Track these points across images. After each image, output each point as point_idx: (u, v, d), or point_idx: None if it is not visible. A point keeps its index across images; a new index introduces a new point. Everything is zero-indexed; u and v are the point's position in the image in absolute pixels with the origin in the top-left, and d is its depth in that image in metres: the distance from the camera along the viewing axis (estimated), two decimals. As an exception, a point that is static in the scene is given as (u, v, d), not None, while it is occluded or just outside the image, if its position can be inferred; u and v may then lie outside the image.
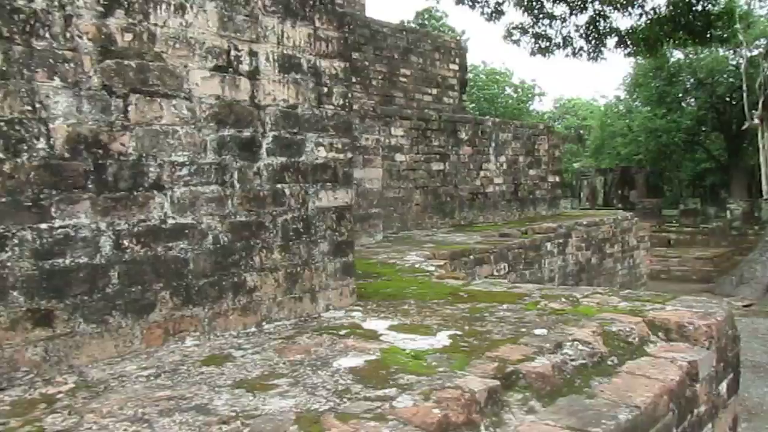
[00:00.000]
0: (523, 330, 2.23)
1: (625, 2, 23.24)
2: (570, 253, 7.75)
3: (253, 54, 2.37)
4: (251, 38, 2.37)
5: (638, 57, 25.57)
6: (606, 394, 1.79)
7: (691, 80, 31.47)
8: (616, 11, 24.04)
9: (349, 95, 2.64)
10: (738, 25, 23.89)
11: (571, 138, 44.14)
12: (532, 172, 8.81)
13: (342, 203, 2.60)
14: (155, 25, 2.08)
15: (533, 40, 25.55)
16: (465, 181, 7.70)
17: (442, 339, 2.13)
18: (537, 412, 1.67)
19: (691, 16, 21.50)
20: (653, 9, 22.65)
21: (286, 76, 2.46)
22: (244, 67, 2.35)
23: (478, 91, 42.90)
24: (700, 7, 21.35)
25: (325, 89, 2.55)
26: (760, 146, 23.04)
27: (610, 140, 34.09)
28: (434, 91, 8.91)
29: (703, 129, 32.25)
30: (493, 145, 8.09)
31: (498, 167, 8.19)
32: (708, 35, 21.18)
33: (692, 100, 31.73)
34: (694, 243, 16.27)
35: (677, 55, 31.86)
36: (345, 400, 1.59)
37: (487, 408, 1.59)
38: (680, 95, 31.56)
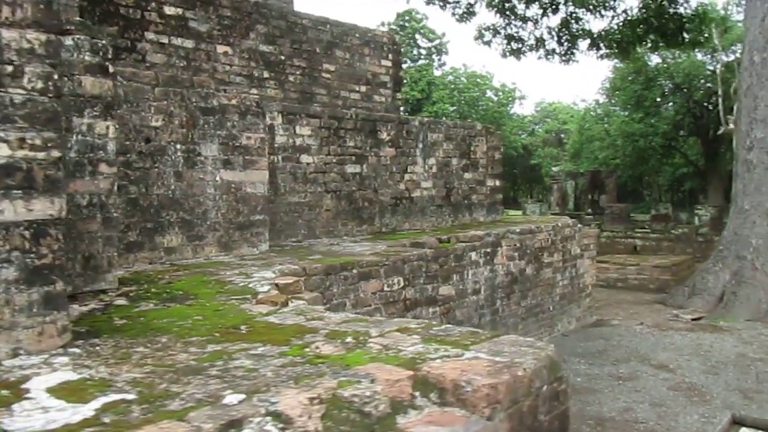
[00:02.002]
0: (224, 392, 1.62)
1: (597, 4, 22.78)
2: (500, 263, 7.16)
3: None
4: None
5: (611, 59, 25.18)
6: None
7: (669, 84, 31.09)
8: (588, 13, 23.55)
9: (57, 77, 2.02)
10: (713, 29, 23.48)
11: (551, 141, 43.69)
12: (467, 175, 8.22)
13: (42, 216, 1.97)
14: None
15: (505, 41, 25.09)
16: (387, 184, 7.09)
17: (94, 406, 1.52)
18: None
19: (663, 19, 21.04)
20: (625, 11, 22.14)
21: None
22: None
23: (458, 94, 42.47)
24: (672, 10, 20.90)
25: (10, 68, 1.93)
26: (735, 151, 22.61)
27: (588, 144, 33.68)
28: (363, 89, 8.31)
29: (681, 134, 31.92)
30: (420, 146, 7.49)
31: (427, 170, 7.59)
32: (680, 38, 20.74)
33: (670, 104, 31.35)
34: (660, 249, 15.76)
35: (655, 59, 31.49)
36: None
37: None
38: (658, 99, 31.18)
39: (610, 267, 12.44)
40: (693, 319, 8.79)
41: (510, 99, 43.28)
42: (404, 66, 41.58)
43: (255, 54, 7.10)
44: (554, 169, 36.05)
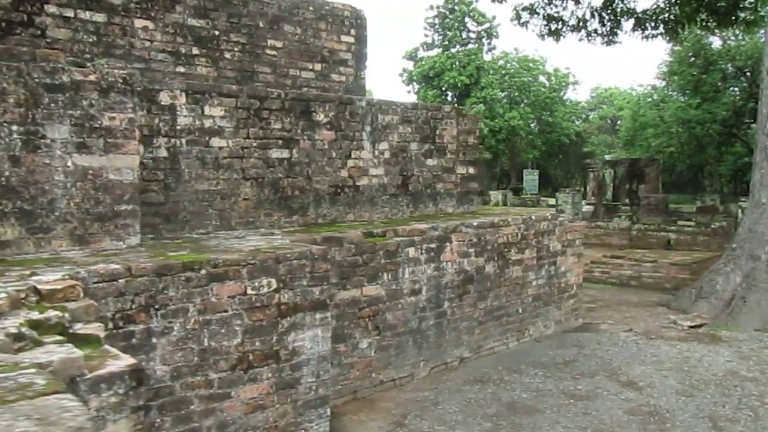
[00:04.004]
0: None
1: (643, -21, 21.34)
2: (448, 261, 6.40)
3: None
4: None
5: (657, 40, 23.55)
6: None
7: (730, 68, 28.96)
8: (634, -10, 22.09)
9: None
10: (771, 6, 21.58)
11: (605, 128, 41.73)
12: (431, 161, 7.44)
13: None
14: None
15: (544, 21, 23.83)
16: (324, 171, 6.42)
17: None
18: None
19: (714, -4, 19.51)
20: (674, -12, 20.65)
21: None
22: None
23: (509, 79, 41.06)
24: (724, -14, 19.35)
25: None
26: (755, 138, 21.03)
27: (642, 131, 31.84)
28: (318, 67, 7.61)
29: (744, 120, 29.70)
30: (368, 129, 6.76)
31: (377, 156, 6.86)
32: (734, 17, 19.09)
33: (730, 89, 29.22)
34: (696, 244, 14.48)
35: (715, 41, 29.40)
36: None
37: None
38: (718, 84, 29.07)
39: (624, 263, 11.37)
40: (691, 327, 7.75)
41: (563, 84, 41.49)
42: (453, 50, 40.45)
43: (182, 29, 6.52)
44: (606, 157, 34.40)
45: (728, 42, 28.91)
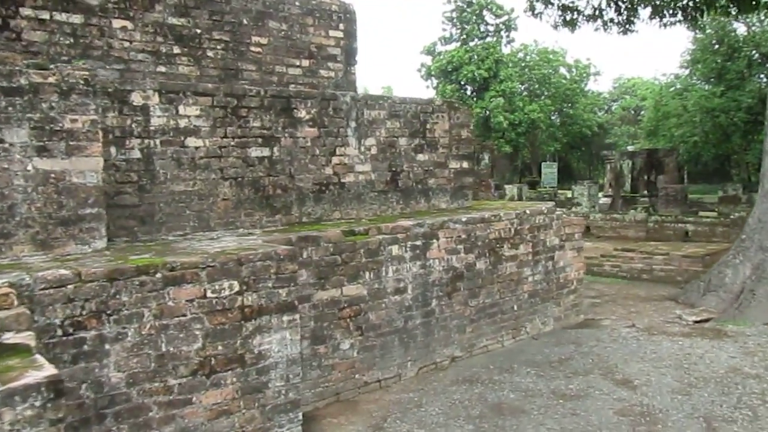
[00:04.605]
0: None
1: (661, -35, 20.88)
2: (435, 258, 6.25)
3: None
4: None
5: (682, 27, 22.98)
6: None
7: (755, 55, 28.21)
8: (651, -23, 21.66)
9: None
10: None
11: (628, 119, 41.00)
12: (422, 156, 7.27)
13: None
14: None
15: (559, 12, 23.44)
16: (307, 169, 6.30)
17: None
18: None
19: (734, -19, 19.01)
20: (691, -27, 20.14)
21: None
22: None
23: (528, 71, 40.60)
24: (743, -30, 18.84)
25: None
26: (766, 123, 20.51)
27: (665, 121, 31.22)
28: (305, 63, 7.49)
29: (770, 107, 28.86)
30: (353, 125, 6.62)
31: (363, 152, 6.72)
32: (755, 1, 18.56)
33: (756, 76, 28.46)
34: (714, 235, 14.08)
35: (740, 28, 28.68)
36: None
37: None
38: (743, 71, 28.33)
39: (635, 257, 11.07)
40: (696, 321, 7.47)
41: (584, 75, 40.90)
42: (471, 44, 40.03)
43: (162, 28, 6.45)
44: (629, 148, 33.88)
45: (752, 28, 28.17)
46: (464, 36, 40.19)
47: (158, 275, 3.88)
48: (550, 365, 6.29)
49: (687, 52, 30.75)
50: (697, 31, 28.33)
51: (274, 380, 4.43)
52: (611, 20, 22.87)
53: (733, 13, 24.70)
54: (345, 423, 5.09)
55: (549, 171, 31.66)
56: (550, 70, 40.20)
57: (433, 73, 40.65)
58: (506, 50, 40.75)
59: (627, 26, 22.52)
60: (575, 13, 23.49)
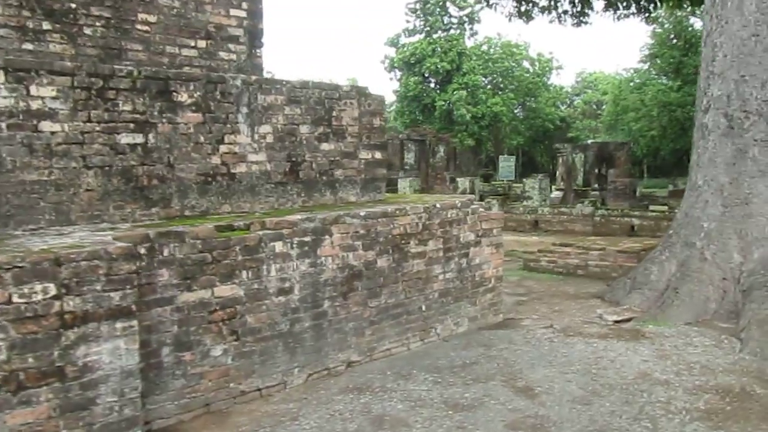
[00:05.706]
0: None
1: (613, -42, 20.58)
2: (329, 255, 5.75)
3: None
4: None
5: (637, 20, 22.82)
6: None
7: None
8: (604, -32, 21.35)
9: None
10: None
11: (589, 113, 40.97)
12: (327, 146, 6.77)
13: None
14: None
15: (513, 3, 23.01)
16: (189, 158, 5.76)
17: None
18: None
19: (685, -28, 18.83)
20: (644, -35, 19.85)
21: None
22: None
23: (492, 65, 40.31)
24: (693, -38, 18.67)
25: None
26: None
27: (623, 115, 31.16)
28: (202, 44, 6.92)
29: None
30: (244, 110, 6.10)
31: (257, 140, 6.20)
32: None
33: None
34: (659, 230, 13.83)
35: (697, 23, 28.62)
36: None
37: None
38: (699, 66, 28.29)
39: (572, 252, 10.72)
40: (617, 321, 7.11)
41: (547, 69, 40.74)
42: (434, 36, 39.58)
43: (29, 1, 5.85)
44: (589, 141, 33.74)
45: (710, 22, 28.11)
46: (428, 28, 39.75)
47: (-54, 278, 3.34)
48: (452, 370, 5.85)
49: (646, 47, 30.68)
50: (655, 25, 28.23)
51: (105, 395, 3.91)
52: (565, 12, 22.54)
53: (686, 6, 24.54)
54: (207, 439, 4.59)
55: (506, 164, 31.38)
56: (513, 64, 40.00)
57: (396, 65, 40.15)
58: (470, 43, 40.43)
59: (581, 18, 22.24)
60: (530, 4, 23.13)
